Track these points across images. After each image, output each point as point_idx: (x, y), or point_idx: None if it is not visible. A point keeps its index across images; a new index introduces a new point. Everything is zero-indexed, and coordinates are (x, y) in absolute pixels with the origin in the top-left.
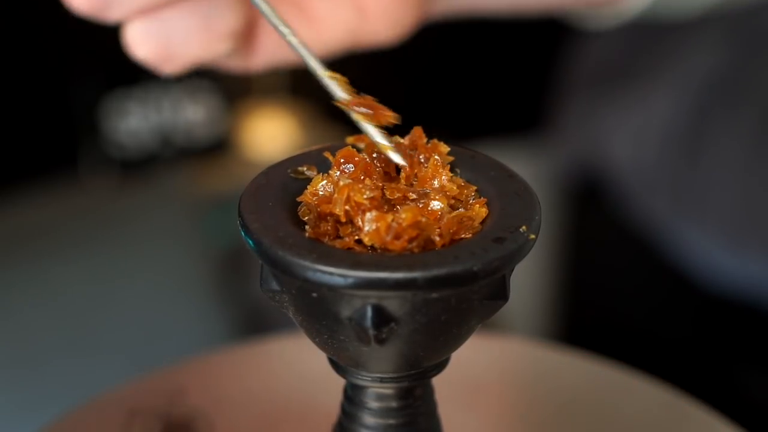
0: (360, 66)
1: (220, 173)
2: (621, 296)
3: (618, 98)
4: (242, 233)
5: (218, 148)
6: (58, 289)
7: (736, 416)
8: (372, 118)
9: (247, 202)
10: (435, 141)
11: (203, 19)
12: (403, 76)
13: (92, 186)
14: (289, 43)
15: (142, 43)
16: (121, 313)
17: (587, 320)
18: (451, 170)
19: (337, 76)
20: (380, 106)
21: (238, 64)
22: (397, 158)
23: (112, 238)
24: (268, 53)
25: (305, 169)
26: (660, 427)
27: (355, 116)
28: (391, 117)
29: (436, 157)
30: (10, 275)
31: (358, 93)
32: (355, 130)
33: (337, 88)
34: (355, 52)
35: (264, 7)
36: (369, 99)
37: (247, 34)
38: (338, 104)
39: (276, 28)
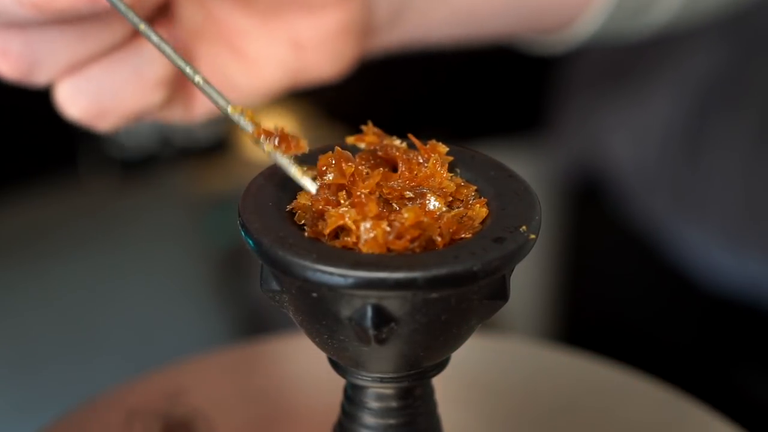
0: (360, 66)
1: (220, 173)
2: (621, 296)
3: (618, 98)
4: (242, 233)
5: (218, 148)
6: (58, 289)
7: (736, 416)
8: (284, 149)
9: (247, 202)
10: (433, 142)
11: (131, 70)
12: (403, 76)
13: (92, 186)
14: (196, 84)
15: (73, 102)
16: (121, 313)
17: (587, 320)
18: (451, 170)
19: (244, 110)
20: (290, 135)
21: (178, 115)
22: (310, 186)
23: (112, 238)
24: (207, 102)
25: (305, 169)
26: (660, 427)
27: (267, 147)
28: (302, 146)
29: (435, 156)
30: (10, 275)
31: (267, 129)
32: (356, 130)
33: (246, 122)
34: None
35: (166, 48)
36: (279, 130)
37: (182, 84)
38: (249, 137)
39: (182, 69)
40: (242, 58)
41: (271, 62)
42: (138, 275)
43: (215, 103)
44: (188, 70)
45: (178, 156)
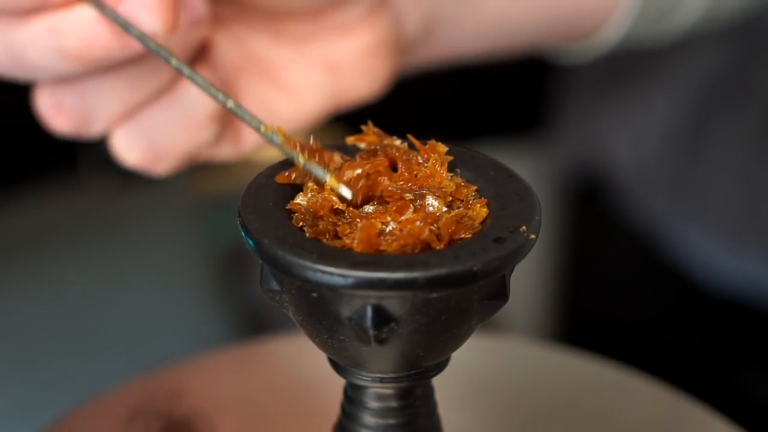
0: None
1: (220, 173)
2: (620, 296)
3: (618, 98)
4: (242, 233)
5: None
6: (58, 289)
7: (736, 416)
8: (318, 161)
9: (247, 202)
10: (433, 142)
11: (181, 111)
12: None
13: (92, 186)
14: (229, 109)
15: (130, 149)
16: (121, 314)
17: (587, 320)
18: (451, 170)
19: (273, 126)
20: (324, 148)
21: (228, 152)
22: (347, 193)
23: (112, 239)
24: (254, 134)
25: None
26: (660, 427)
27: (303, 161)
28: (336, 158)
29: (435, 156)
30: (10, 275)
31: (301, 142)
32: (356, 130)
33: (280, 140)
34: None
35: (198, 79)
36: (313, 144)
37: (230, 119)
38: (285, 153)
39: (214, 97)
40: (282, 88)
41: (310, 88)
42: (138, 275)
43: (248, 123)
44: (220, 96)
45: (196, 163)
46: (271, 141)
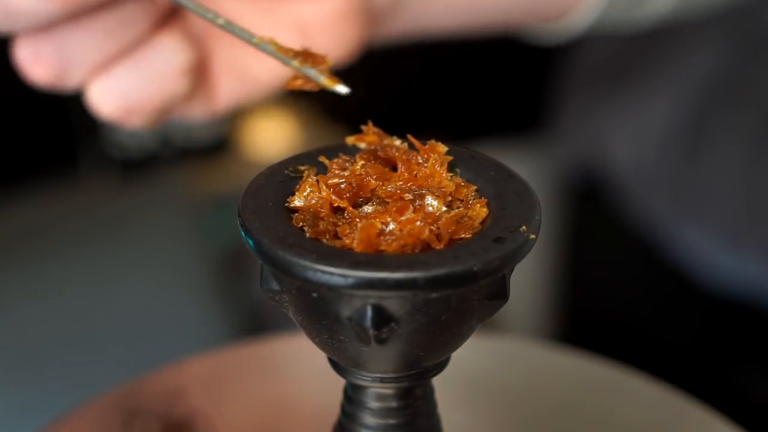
0: (360, 67)
1: (220, 173)
2: (620, 296)
3: (618, 98)
4: (242, 233)
5: (218, 148)
6: (58, 289)
7: (736, 416)
8: (311, 62)
9: (247, 202)
10: (432, 142)
11: (156, 63)
12: (403, 76)
13: (92, 186)
14: (219, 26)
15: (105, 101)
16: (121, 313)
17: (587, 320)
18: (451, 170)
19: (266, 37)
20: (314, 52)
21: (201, 110)
22: (342, 89)
23: (112, 238)
24: (229, 92)
25: (305, 168)
26: (660, 427)
27: (296, 64)
28: (327, 60)
29: (434, 156)
30: (10, 275)
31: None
32: (356, 130)
33: (272, 49)
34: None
35: (188, 2)
36: (304, 49)
37: (202, 75)
38: (278, 58)
39: (204, 16)
40: (254, 49)
41: None
42: (138, 275)
43: (240, 36)
44: (210, 15)
45: (178, 156)
46: (264, 50)
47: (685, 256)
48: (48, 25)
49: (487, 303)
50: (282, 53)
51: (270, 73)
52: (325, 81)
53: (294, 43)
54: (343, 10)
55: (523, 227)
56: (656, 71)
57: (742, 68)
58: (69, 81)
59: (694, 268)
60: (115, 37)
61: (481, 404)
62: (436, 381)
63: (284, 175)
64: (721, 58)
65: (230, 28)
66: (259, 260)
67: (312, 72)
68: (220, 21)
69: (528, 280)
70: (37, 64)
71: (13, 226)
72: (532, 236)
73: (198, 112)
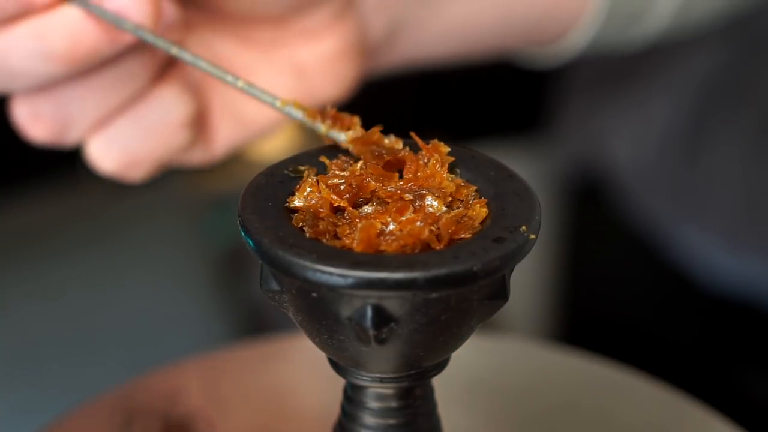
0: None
1: (220, 173)
2: (620, 296)
3: (618, 98)
4: (242, 233)
5: None
6: (58, 289)
7: (736, 416)
8: (339, 126)
9: (247, 202)
10: (435, 141)
11: (157, 116)
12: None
13: (92, 187)
14: (240, 89)
15: (106, 157)
16: (121, 314)
17: (587, 320)
18: (451, 170)
19: (289, 100)
20: (341, 114)
21: (200, 157)
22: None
23: (112, 239)
24: (227, 138)
25: (305, 168)
26: (660, 427)
27: (324, 129)
28: (355, 121)
29: (435, 156)
30: (10, 276)
31: (319, 111)
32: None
33: (295, 111)
34: None
35: (202, 63)
36: (329, 110)
37: (201, 123)
38: (304, 122)
39: (223, 79)
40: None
41: (278, 92)
42: (138, 276)
43: (263, 100)
44: (229, 78)
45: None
46: (290, 115)
47: (685, 256)
48: (48, 85)
49: (487, 303)
50: (309, 117)
51: (267, 115)
52: (352, 148)
53: (291, 84)
54: (339, 49)
55: (523, 227)
56: (656, 72)
57: (742, 69)
58: (69, 138)
59: (694, 268)
60: (114, 93)
61: (481, 404)
62: (436, 381)
63: (284, 175)
64: (720, 59)
65: (252, 91)
66: (259, 260)
67: (342, 137)
68: (240, 84)
69: (528, 280)
70: (37, 123)
71: (14, 227)
72: (532, 236)
73: (196, 159)
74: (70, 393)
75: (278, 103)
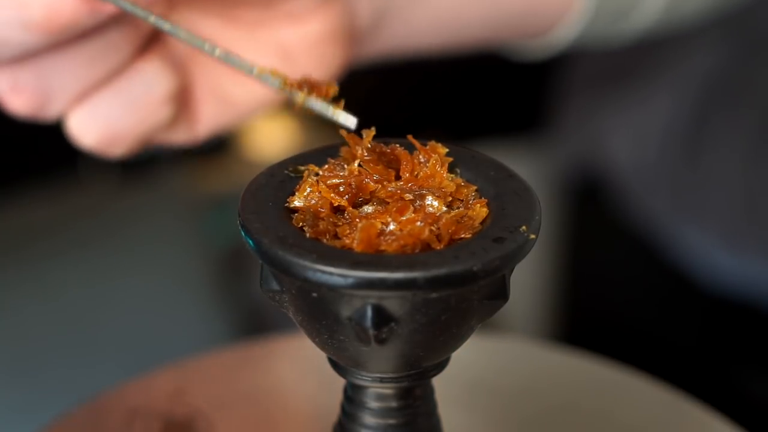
0: (361, 68)
1: (220, 173)
2: (620, 296)
3: (618, 98)
4: (242, 233)
5: (218, 148)
6: (57, 289)
7: (736, 416)
8: (316, 94)
9: (247, 202)
10: (433, 143)
11: (138, 90)
12: (403, 76)
13: (92, 186)
14: (218, 57)
15: (87, 131)
16: (121, 313)
17: (587, 320)
18: (451, 170)
19: (267, 68)
20: (319, 81)
21: (183, 135)
22: (350, 121)
23: (111, 238)
24: (210, 118)
25: (305, 168)
26: (660, 427)
27: (301, 98)
28: (332, 89)
29: (435, 156)
30: (10, 275)
31: (297, 81)
32: (356, 130)
33: (272, 79)
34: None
35: (181, 32)
36: (306, 79)
37: (185, 101)
38: (281, 91)
39: (200, 48)
40: (235, 74)
41: None
42: (138, 275)
43: (239, 68)
44: (207, 46)
45: (178, 156)
46: (266, 82)
47: (685, 256)
48: (28, 55)
49: (487, 303)
50: (286, 85)
51: (252, 96)
52: (334, 113)
53: (276, 66)
54: (325, 31)
55: (523, 227)
56: (656, 72)
57: (742, 69)
58: (49, 111)
59: (694, 268)
60: (96, 66)
61: (481, 404)
62: (436, 381)
63: (284, 175)
64: (720, 58)
65: (229, 60)
66: (259, 260)
67: (319, 104)
68: (218, 52)
69: (528, 280)
70: (17, 94)
71: (13, 227)
72: (532, 236)
73: (179, 138)
74: (70, 393)
75: (255, 71)
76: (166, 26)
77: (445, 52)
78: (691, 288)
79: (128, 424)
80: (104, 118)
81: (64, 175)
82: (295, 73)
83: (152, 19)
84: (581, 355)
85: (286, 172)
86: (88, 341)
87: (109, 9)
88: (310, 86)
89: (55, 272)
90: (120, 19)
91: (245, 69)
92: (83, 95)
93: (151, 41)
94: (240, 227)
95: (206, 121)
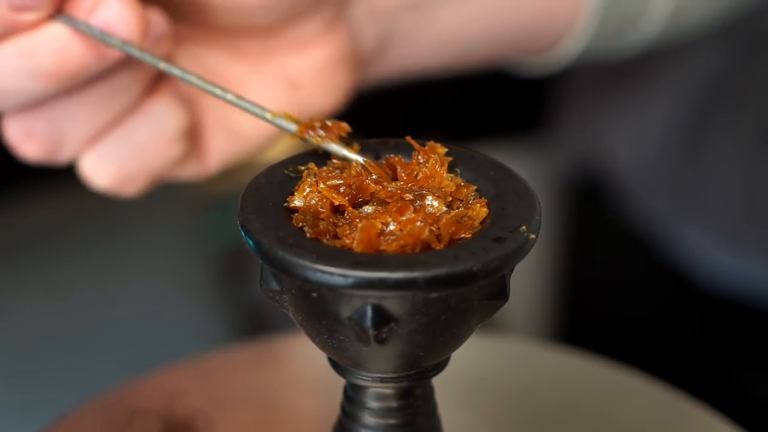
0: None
1: (220, 173)
2: (620, 296)
3: (618, 98)
4: (242, 233)
5: None
6: (58, 290)
7: (736, 416)
8: (330, 136)
9: (247, 202)
10: (432, 143)
11: (150, 129)
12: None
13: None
14: (229, 102)
15: (100, 172)
16: (122, 314)
17: (587, 320)
18: (451, 170)
19: (280, 112)
20: (331, 122)
21: (194, 171)
22: (361, 159)
23: (112, 240)
24: (220, 151)
25: (305, 168)
26: (660, 427)
27: (314, 140)
28: (344, 127)
29: (434, 156)
30: (11, 278)
31: (304, 121)
32: (356, 130)
33: (287, 123)
34: None
35: (190, 78)
36: (318, 120)
37: (194, 137)
38: (294, 137)
39: (212, 93)
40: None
41: (270, 104)
42: (138, 276)
43: (253, 113)
44: (218, 91)
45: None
46: (281, 127)
47: (685, 256)
48: (38, 102)
49: (487, 303)
50: (301, 129)
51: (260, 129)
52: (348, 154)
53: (283, 96)
54: (330, 59)
55: (523, 227)
56: (656, 73)
57: (742, 70)
58: (61, 156)
59: (694, 268)
60: (106, 108)
61: (481, 404)
62: (436, 381)
63: (284, 175)
64: (720, 59)
65: (241, 104)
66: (259, 260)
67: (334, 147)
68: (230, 97)
69: (528, 281)
70: (28, 141)
71: (14, 228)
72: (532, 236)
73: (190, 174)
74: (70, 393)
75: (269, 115)
76: (176, 72)
77: (451, 72)
78: (691, 288)
79: (128, 424)
80: (116, 160)
81: (65, 176)
82: (303, 101)
83: (162, 65)
84: (581, 355)
85: (286, 172)
86: (88, 341)
87: (116, 54)
88: (324, 128)
89: (56, 273)
90: (127, 61)
91: (258, 113)
92: (94, 138)
93: (160, 78)
94: (240, 227)
95: (216, 156)
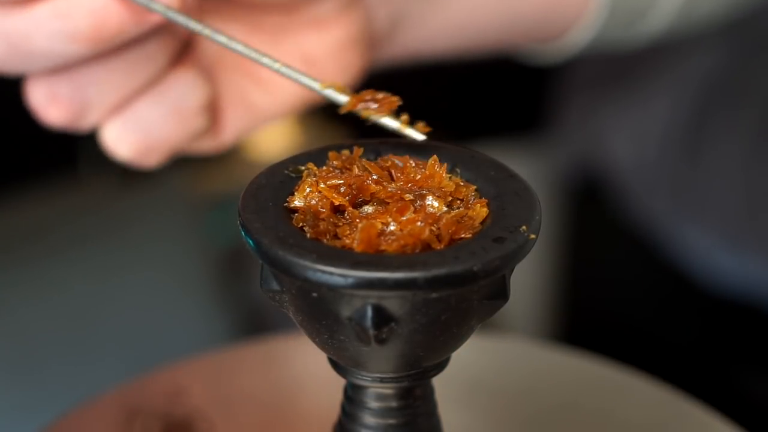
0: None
1: (220, 173)
2: (620, 296)
3: (618, 98)
4: (242, 233)
5: None
6: (58, 288)
7: (736, 416)
8: (382, 110)
9: (247, 202)
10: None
11: (173, 101)
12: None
13: (92, 186)
14: (279, 71)
15: (122, 141)
16: (121, 313)
17: (587, 320)
18: (451, 170)
19: (333, 83)
20: (382, 95)
21: (210, 143)
22: (417, 135)
23: (112, 238)
24: (235, 125)
25: (305, 168)
26: (660, 427)
27: (365, 113)
28: (395, 100)
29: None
30: (10, 275)
31: (356, 92)
32: (356, 130)
33: (338, 94)
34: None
35: (237, 45)
36: (369, 93)
37: (212, 110)
38: (346, 109)
39: (259, 61)
40: (260, 81)
41: (287, 81)
42: (138, 275)
43: (303, 83)
44: (266, 60)
45: (178, 156)
46: (330, 98)
47: (685, 256)
48: (67, 66)
49: (487, 303)
50: (353, 101)
51: (275, 103)
52: (398, 126)
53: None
54: (346, 39)
55: (523, 227)
56: (656, 72)
57: (742, 69)
58: (85, 122)
59: (694, 268)
60: (133, 75)
61: (481, 404)
62: (436, 381)
63: (284, 175)
64: (720, 58)
65: (292, 75)
66: (259, 260)
67: (386, 120)
68: (278, 66)
69: (528, 281)
70: (54, 105)
71: (13, 226)
72: (532, 236)
73: (206, 147)
74: (70, 392)
75: (318, 86)
76: (221, 39)
77: (460, 57)
78: (691, 288)
79: (128, 424)
80: (140, 129)
81: (65, 174)
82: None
83: (207, 32)
84: (581, 355)
85: (286, 172)
86: (88, 341)
87: (155, 19)
88: (376, 101)
89: (56, 272)
90: (157, 30)
91: (308, 84)
92: (119, 106)
93: (184, 51)
94: (240, 227)
95: (231, 128)
